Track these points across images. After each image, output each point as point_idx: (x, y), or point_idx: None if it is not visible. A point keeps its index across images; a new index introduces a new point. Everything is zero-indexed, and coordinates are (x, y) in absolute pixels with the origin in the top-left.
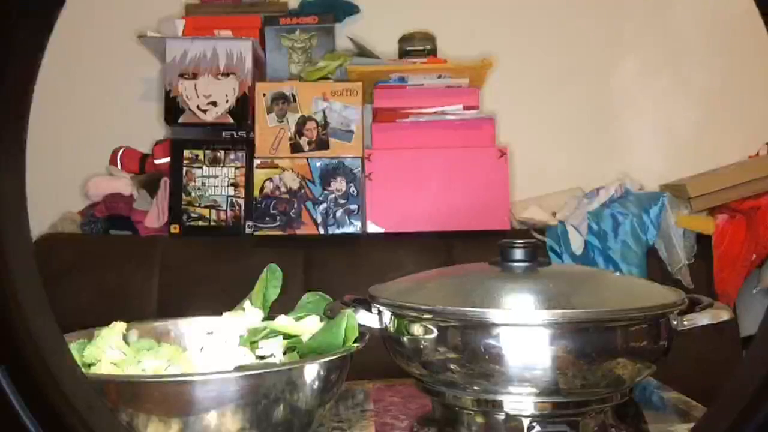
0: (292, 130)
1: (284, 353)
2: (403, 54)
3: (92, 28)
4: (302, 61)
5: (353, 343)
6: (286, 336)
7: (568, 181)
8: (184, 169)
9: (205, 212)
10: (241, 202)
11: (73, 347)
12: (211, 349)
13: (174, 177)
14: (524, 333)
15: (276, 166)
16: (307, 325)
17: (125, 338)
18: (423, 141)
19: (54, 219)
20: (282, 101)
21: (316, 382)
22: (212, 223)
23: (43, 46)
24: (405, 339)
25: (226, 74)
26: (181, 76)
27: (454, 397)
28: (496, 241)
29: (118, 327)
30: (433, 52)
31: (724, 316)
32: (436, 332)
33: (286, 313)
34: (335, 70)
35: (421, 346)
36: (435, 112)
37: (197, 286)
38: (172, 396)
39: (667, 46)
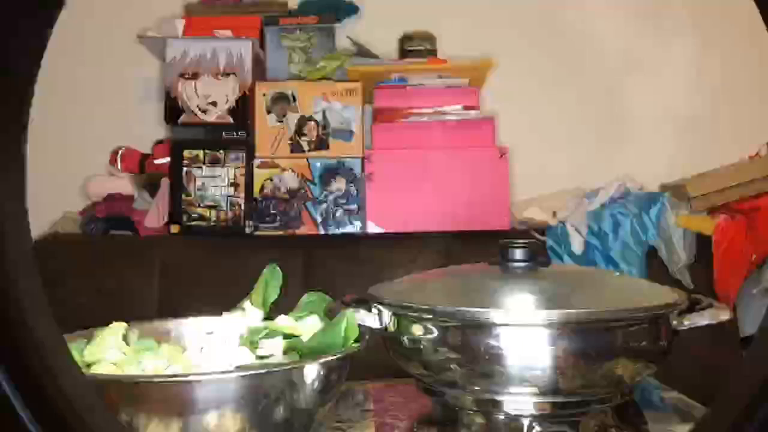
0: (292, 130)
1: (284, 353)
2: (403, 54)
3: (92, 28)
4: (302, 61)
5: (353, 343)
6: (286, 336)
7: (568, 181)
8: (184, 169)
9: (205, 212)
10: (241, 202)
11: (73, 347)
12: (211, 349)
13: (174, 177)
14: (524, 333)
15: (276, 166)
16: (307, 325)
17: (125, 338)
18: (423, 141)
19: (54, 219)
20: (282, 101)
21: (316, 382)
22: (212, 223)
23: (43, 46)
24: (405, 339)
25: (226, 74)
26: (181, 76)
27: (454, 397)
28: (496, 241)
29: (118, 327)
30: (433, 52)
31: (724, 316)
32: (436, 332)
33: (286, 313)
34: (335, 70)
35: (421, 346)
36: (435, 112)
37: (197, 286)
38: (172, 396)
39: (667, 47)
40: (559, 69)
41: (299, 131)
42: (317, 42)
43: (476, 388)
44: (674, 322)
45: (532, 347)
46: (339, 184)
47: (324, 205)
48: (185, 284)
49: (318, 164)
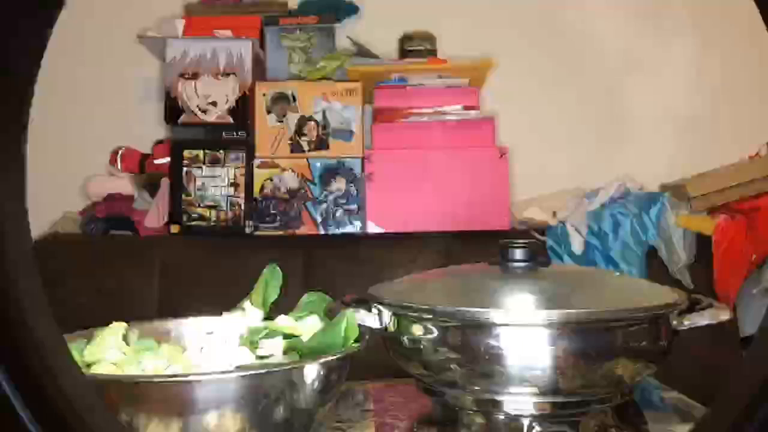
0: (292, 130)
1: (284, 353)
2: (403, 54)
3: (92, 28)
4: (302, 61)
5: (353, 343)
6: (286, 336)
7: (568, 181)
8: (184, 169)
9: (205, 212)
10: (241, 202)
11: (73, 347)
12: (211, 349)
13: (174, 177)
14: (524, 333)
15: (276, 166)
16: (307, 325)
17: (125, 338)
18: (423, 141)
19: (54, 219)
20: (282, 101)
21: (316, 382)
22: (212, 223)
23: (43, 46)
24: (405, 339)
25: (226, 74)
26: (181, 76)
27: (454, 397)
28: (496, 241)
29: (118, 327)
30: (433, 52)
31: (724, 316)
32: (436, 332)
33: (286, 313)
34: (335, 70)
35: (421, 346)
36: (435, 112)
37: (197, 286)
38: (172, 396)
39: (667, 47)
40: (559, 69)
41: (299, 131)
42: (317, 42)
43: (476, 388)
44: (674, 322)
45: (532, 347)
46: (339, 184)
47: (324, 205)
48: (185, 284)
49: (318, 164)
